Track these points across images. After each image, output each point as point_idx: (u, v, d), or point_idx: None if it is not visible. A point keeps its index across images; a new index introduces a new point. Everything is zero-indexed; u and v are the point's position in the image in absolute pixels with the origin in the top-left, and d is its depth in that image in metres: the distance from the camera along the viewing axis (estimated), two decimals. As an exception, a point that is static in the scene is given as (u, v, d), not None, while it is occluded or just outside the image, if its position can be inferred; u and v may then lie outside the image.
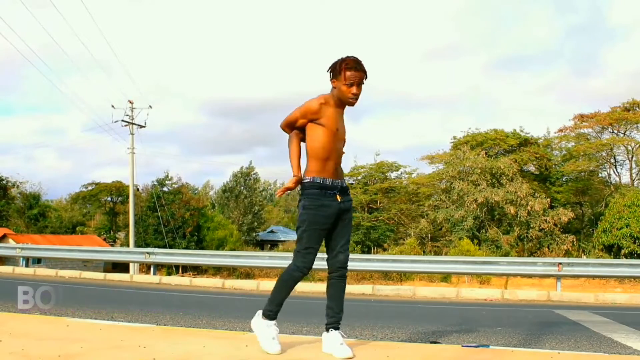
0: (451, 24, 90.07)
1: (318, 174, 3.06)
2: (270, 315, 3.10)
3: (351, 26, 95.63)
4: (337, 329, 3.09)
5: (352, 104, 3.08)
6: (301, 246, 3.05)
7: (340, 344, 3.01)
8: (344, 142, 3.18)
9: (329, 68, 3.09)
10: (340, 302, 3.14)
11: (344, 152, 3.18)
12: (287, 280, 3.09)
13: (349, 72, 3.00)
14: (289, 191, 3.17)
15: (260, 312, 3.15)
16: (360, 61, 3.05)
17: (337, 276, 3.14)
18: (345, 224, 3.15)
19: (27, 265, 14.63)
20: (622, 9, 71.40)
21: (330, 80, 3.09)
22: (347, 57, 3.05)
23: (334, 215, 3.08)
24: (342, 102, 3.08)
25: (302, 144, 3.16)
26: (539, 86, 78.44)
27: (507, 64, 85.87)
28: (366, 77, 3.07)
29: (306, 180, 3.07)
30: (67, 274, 13.05)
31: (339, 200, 3.09)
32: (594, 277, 15.02)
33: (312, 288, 11.11)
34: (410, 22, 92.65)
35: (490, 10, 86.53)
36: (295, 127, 3.14)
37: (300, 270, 3.05)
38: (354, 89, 3.02)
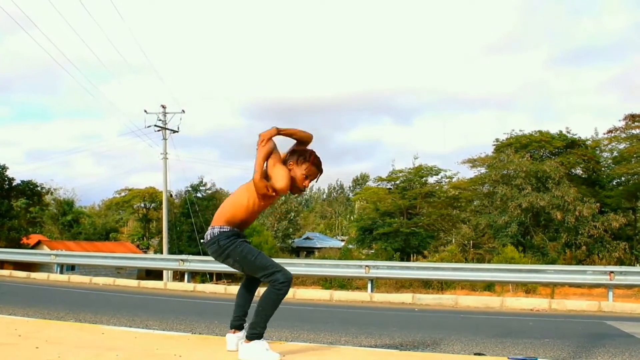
0: (514, 14, 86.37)
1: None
2: (262, 334, 3.16)
3: (406, 23, 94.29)
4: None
5: (296, 194, 3.38)
6: (272, 265, 3.16)
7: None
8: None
9: (294, 151, 3.28)
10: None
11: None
12: (278, 297, 3.16)
13: (313, 167, 3.23)
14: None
15: (249, 341, 3.14)
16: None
17: None
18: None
19: (61, 272, 14.85)
20: None
21: (288, 159, 3.25)
22: (315, 153, 3.26)
23: None
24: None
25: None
26: (602, 82, 74.02)
27: (570, 59, 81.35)
28: (317, 180, 3.31)
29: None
30: (100, 280, 13.20)
31: None
32: (648, 286, 14.30)
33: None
34: (470, 13, 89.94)
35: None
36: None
37: (290, 282, 3.15)
38: (307, 182, 3.25)
